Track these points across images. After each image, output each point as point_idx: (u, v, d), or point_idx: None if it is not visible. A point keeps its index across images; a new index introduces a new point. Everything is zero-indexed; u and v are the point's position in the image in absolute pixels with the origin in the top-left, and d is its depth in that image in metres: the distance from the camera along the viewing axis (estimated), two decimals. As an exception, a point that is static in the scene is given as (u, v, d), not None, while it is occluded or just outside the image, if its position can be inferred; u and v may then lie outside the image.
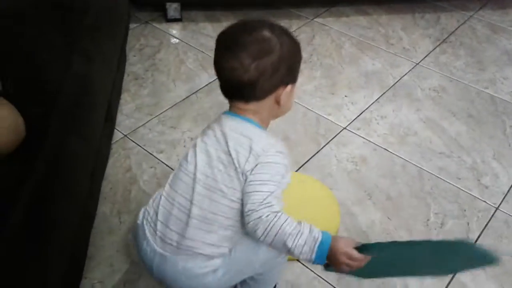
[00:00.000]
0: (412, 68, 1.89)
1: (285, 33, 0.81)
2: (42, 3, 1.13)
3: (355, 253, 0.75)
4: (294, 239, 0.73)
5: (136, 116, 1.61)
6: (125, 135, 1.54)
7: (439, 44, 2.02)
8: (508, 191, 1.43)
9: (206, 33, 2.03)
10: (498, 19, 2.19)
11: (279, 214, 0.74)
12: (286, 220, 0.73)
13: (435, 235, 1.30)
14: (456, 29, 2.12)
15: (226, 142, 0.80)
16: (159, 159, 1.47)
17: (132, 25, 2.01)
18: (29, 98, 0.91)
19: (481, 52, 1.99)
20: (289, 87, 0.83)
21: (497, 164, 1.50)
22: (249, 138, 0.80)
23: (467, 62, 1.94)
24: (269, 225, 0.72)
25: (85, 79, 1.07)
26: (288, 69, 0.81)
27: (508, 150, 1.55)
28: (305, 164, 1.49)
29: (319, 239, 0.74)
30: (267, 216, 0.73)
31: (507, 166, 1.50)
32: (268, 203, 0.74)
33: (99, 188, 1.33)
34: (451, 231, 1.31)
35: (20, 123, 0.79)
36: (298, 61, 0.84)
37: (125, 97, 1.67)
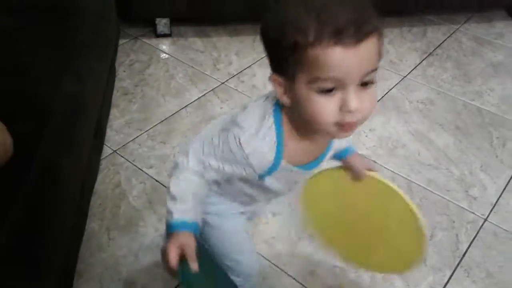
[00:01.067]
0: (400, 81, 1.92)
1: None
2: (34, 20, 1.13)
3: (171, 254, 0.69)
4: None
5: (125, 132, 1.61)
6: (115, 151, 1.54)
7: (426, 57, 2.05)
8: (496, 202, 1.44)
9: (196, 48, 2.05)
10: (484, 32, 2.23)
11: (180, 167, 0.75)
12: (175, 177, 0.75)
13: (425, 247, 1.30)
14: (443, 42, 2.15)
15: None
16: (148, 175, 1.47)
17: (121, 41, 2.02)
18: (18, 116, 0.90)
19: (467, 64, 2.02)
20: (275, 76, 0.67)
21: (484, 176, 1.52)
22: None
23: (453, 74, 1.96)
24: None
25: (75, 97, 1.07)
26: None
27: (495, 161, 1.57)
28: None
29: (169, 222, 0.74)
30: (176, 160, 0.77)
31: (495, 177, 1.51)
32: (186, 151, 0.76)
33: (88, 205, 1.32)
34: (441, 242, 1.32)
35: (8, 141, 0.79)
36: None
37: (114, 112, 1.67)
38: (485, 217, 1.39)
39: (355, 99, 0.62)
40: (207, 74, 1.90)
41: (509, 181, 1.51)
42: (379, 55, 0.65)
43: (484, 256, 1.29)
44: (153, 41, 2.07)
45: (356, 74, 0.62)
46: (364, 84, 0.64)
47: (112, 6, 1.55)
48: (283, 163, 0.73)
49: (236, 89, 1.84)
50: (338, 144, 0.84)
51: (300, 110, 0.66)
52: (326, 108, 0.63)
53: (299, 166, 0.77)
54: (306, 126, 0.69)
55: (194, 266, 0.69)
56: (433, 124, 1.71)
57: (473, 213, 1.40)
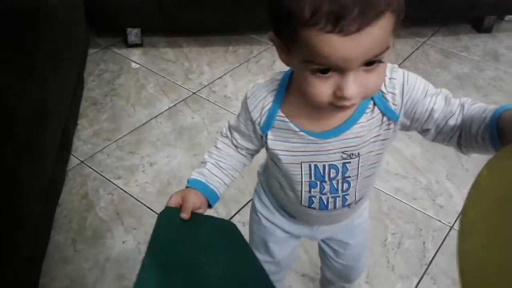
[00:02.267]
0: (369, 92, 1.95)
1: None
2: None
3: (171, 199, 0.72)
4: None
5: (93, 142, 1.59)
6: (82, 161, 1.51)
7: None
8: (462, 210, 1.47)
9: (167, 58, 2.04)
10: (450, 45, 2.30)
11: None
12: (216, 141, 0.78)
13: (393, 255, 1.32)
14: (410, 54, 2.21)
15: None
16: (116, 185, 1.45)
17: (91, 50, 2.00)
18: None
19: (434, 76, 2.07)
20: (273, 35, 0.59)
21: (450, 184, 1.55)
22: None
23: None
24: None
25: (40, 106, 1.05)
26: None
27: (461, 170, 1.61)
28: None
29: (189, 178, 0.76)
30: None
31: (460, 186, 1.55)
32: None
33: (53, 216, 1.29)
34: (408, 250, 1.34)
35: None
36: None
37: (82, 122, 1.65)
38: (451, 225, 1.42)
39: (352, 86, 0.54)
40: (178, 84, 1.90)
41: (474, 189, 1.54)
42: (394, 31, 0.55)
43: (450, 264, 1.31)
44: (124, 51, 2.05)
45: (356, 62, 0.53)
46: (370, 64, 0.55)
47: (81, 14, 1.54)
48: (281, 113, 0.68)
49: (207, 99, 1.84)
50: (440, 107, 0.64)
51: (297, 77, 0.62)
52: (319, 90, 0.56)
53: (305, 130, 0.67)
54: None
55: (183, 214, 0.69)
56: (401, 134, 1.73)
57: (439, 221, 1.43)
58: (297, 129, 0.68)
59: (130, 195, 1.42)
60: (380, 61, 0.55)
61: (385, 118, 0.67)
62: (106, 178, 1.47)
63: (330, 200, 0.74)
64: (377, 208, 1.44)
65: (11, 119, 0.91)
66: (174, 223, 0.69)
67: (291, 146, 0.70)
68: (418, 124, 0.67)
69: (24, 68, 1.04)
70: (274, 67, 2.04)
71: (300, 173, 0.72)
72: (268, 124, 0.69)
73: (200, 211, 0.72)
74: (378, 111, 0.66)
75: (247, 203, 1.43)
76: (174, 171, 1.51)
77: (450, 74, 2.09)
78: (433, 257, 1.32)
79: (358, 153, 0.69)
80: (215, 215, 1.37)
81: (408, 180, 1.56)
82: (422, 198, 1.49)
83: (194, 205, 0.71)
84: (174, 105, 1.80)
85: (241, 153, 0.78)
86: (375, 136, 0.68)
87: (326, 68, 0.54)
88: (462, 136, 0.64)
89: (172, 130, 1.68)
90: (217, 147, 0.78)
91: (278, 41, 0.58)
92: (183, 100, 1.82)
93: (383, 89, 0.65)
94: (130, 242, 1.30)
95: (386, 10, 0.51)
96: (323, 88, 0.56)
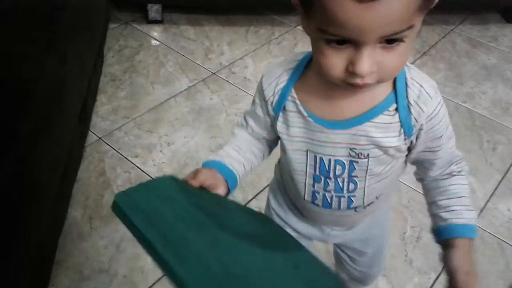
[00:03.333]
0: (393, 79, 1.90)
1: None
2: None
3: (189, 174, 0.62)
4: None
5: (111, 119, 1.57)
6: (100, 138, 1.50)
7: (420, 57, 2.04)
8: (484, 206, 1.44)
9: (187, 36, 2.00)
10: (478, 34, 2.22)
11: None
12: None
13: (411, 249, 1.29)
14: (437, 42, 2.14)
15: None
16: (134, 164, 1.44)
17: (111, 25, 1.97)
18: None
19: (461, 66, 2.01)
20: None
21: (473, 179, 1.51)
22: None
23: (446, 76, 1.95)
24: None
25: (59, 80, 1.03)
26: None
27: (485, 165, 1.57)
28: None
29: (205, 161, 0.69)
30: None
31: (483, 181, 1.51)
32: None
33: (70, 192, 1.28)
34: (427, 244, 1.31)
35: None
36: None
37: (101, 98, 1.63)
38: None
39: (366, 62, 0.50)
40: (198, 64, 1.87)
41: (497, 185, 1.50)
42: (420, 9, 0.51)
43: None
44: (144, 27, 2.02)
45: (372, 35, 0.49)
46: (390, 42, 0.51)
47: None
48: (293, 94, 0.63)
49: (227, 80, 1.81)
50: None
51: (312, 51, 0.57)
52: (332, 62, 0.53)
53: (315, 116, 0.63)
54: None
55: (190, 180, 0.61)
56: (424, 125, 1.70)
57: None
58: (305, 114, 0.63)
59: (147, 174, 1.41)
60: (402, 40, 0.51)
61: (402, 130, 0.61)
62: (123, 156, 1.46)
63: (335, 199, 0.70)
64: (397, 199, 1.42)
65: (29, 92, 0.90)
66: (176, 186, 0.57)
67: (298, 131, 0.65)
68: (420, 151, 0.65)
69: (42, 40, 1.01)
70: (296, 50, 2.00)
71: (305, 162, 0.67)
72: (280, 104, 0.65)
73: (218, 191, 0.63)
74: (398, 119, 0.61)
75: (264, 188, 1.41)
76: (191, 152, 1.49)
77: (476, 65, 2.03)
78: (453, 253, 1.30)
79: (368, 154, 0.64)
80: (231, 198, 1.36)
81: (430, 172, 1.52)
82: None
83: (208, 180, 0.62)
84: (193, 85, 1.77)
85: (258, 141, 0.73)
86: (391, 147, 0.62)
87: (341, 39, 0.50)
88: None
89: (191, 110, 1.66)
90: (233, 133, 0.73)
91: (300, 6, 0.55)
92: (202, 80, 1.79)
93: (411, 99, 0.59)
94: (146, 222, 1.29)
95: None
96: (336, 60, 0.52)
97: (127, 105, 1.64)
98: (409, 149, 0.65)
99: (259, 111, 0.69)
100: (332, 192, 0.69)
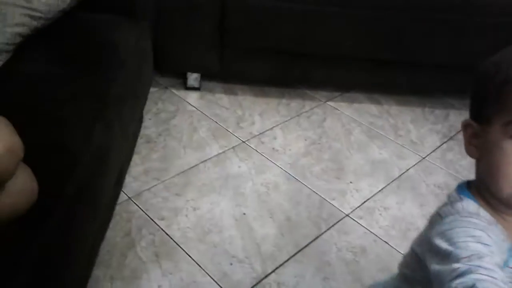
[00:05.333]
0: (419, 161, 1.92)
1: None
2: (74, 69, 1.19)
3: None
4: None
5: (142, 179, 1.64)
6: (130, 198, 1.56)
7: (447, 141, 2.07)
8: None
9: (222, 104, 2.10)
10: None
11: None
12: None
13: None
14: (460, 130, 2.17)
15: None
16: (159, 226, 1.48)
17: (152, 89, 2.09)
18: (46, 162, 0.93)
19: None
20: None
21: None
22: None
23: (472, 161, 1.95)
24: None
25: (103, 150, 1.10)
26: None
27: (509, 258, 1.54)
28: (304, 248, 1.48)
29: None
30: None
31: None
32: None
33: (97, 251, 1.32)
34: None
35: (35, 188, 0.82)
36: None
37: (135, 159, 1.71)
38: None
39: None
40: (229, 131, 1.94)
41: None
42: None
43: None
44: (182, 93, 2.14)
45: None
46: None
47: (150, 61, 1.62)
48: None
49: (255, 149, 1.87)
50: None
51: (484, 164, 0.57)
52: None
53: None
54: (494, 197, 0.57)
55: None
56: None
57: None
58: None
59: (171, 238, 1.45)
60: None
61: None
62: (150, 218, 1.50)
63: None
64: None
65: (74, 162, 0.96)
66: None
67: None
68: None
69: (92, 112, 1.10)
70: (325, 124, 2.06)
71: None
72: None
73: None
74: None
75: (284, 262, 1.42)
76: (215, 219, 1.53)
77: (504, 153, 2.04)
78: None
79: None
80: (250, 270, 1.37)
81: (452, 260, 1.50)
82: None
83: None
84: (223, 151, 1.84)
85: None
86: None
87: None
88: None
89: (219, 177, 1.71)
90: None
91: (473, 123, 0.59)
92: (232, 147, 1.86)
93: None
94: (165, 287, 1.31)
95: None
96: None
97: (159, 167, 1.71)
98: None
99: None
100: None
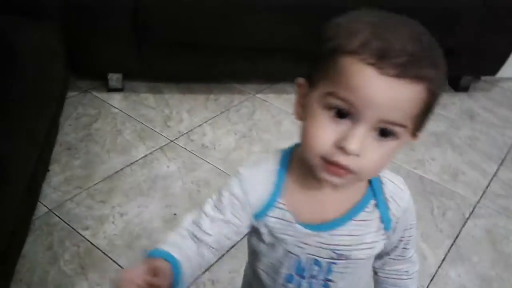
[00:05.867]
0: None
1: None
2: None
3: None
4: None
5: (63, 189, 1.55)
6: (50, 210, 1.47)
7: (373, 124, 2.12)
8: (435, 272, 1.45)
9: (147, 104, 2.03)
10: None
11: None
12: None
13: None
14: (389, 110, 2.24)
15: None
16: (84, 237, 1.40)
17: (71, 93, 1.99)
18: None
19: (411, 133, 2.10)
20: None
21: (425, 245, 1.54)
22: None
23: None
24: None
25: (2, 159, 1.02)
26: None
27: (435, 231, 1.60)
28: (239, 243, 1.46)
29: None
30: None
31: (434, 247, 1.53)
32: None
33: (13, 269, 1.23)
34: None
35: None
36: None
37: (54, 168, 1.61)
38: (424, 287, 1.40)
39: (357, 140, 0.51)
40: (156, 131, 1.89)
41: (448, 251, 1.53)
42: (420, 114, 0.54)
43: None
44: (104, 95, 2.04)
45: (374, 111, 0.50)
46: (383, 134, 0.52)
47: (60, 62, 1.53)
48: (280, 201, 0.63)
49: (184, 148, 1.82)
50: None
51: (302, 127, 0.57)
52: (324, 134, 0.53)
53: (301, 222, 0.63)
54: (308, 166, 0.57)
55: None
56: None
57: (413, 284, 1.41)
58: (293, 220, 0.63)
59: (97, 248, 1.37)
60: (395, 135, 0.53)
61: (381, 225, 0.64)
62: (73, 228, 1.42)
63: None
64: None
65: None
66: None
67: (281, 235, 0.65)
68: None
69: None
70: (254, 117, 2.05)
71: (281, 261, 0.67)
72: (264, 211, 0.64)
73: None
74: (378, 215, 0.64)
75: (218, 258, 1.39)
76: (144, 223, 1.47)
77: (426, 131, 2.12)
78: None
79: (348, 256, 0.65)
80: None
81: (383, 239, 1.54)
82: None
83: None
84: (150, 152, 1.78)
85: (209, 250, 0.65)
86: (369, 243, 0.64)
87: (341, 108, 0.52)
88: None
89: (147, 179, 1.65)
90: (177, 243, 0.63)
91: (304, 83, 0.57)
92: (159, 148, 1.81)
93: (387, 195, 0.63)
94: (93, 299, 1.24)
95: (425, 80, 0.50)
96: (329, 131, 0.53)
97: (81, 174, 1.62)
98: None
99: (229, 215, 0.64)
100: None
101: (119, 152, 1.75)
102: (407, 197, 0.66)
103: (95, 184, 1.59)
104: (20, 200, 1.14)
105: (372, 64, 0.49)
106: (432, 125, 2.17)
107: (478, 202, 1.76)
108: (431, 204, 1.71)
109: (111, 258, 1.35)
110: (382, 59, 0.49)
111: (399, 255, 0.72)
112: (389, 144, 0.54)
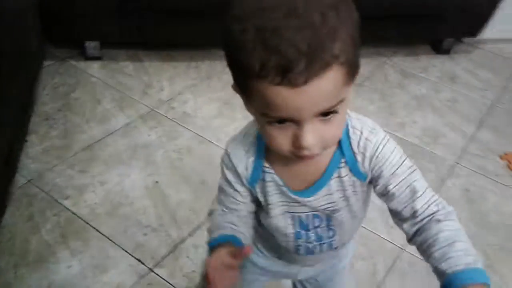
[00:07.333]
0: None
1: None
2: None
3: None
4: None
5: (43, 160, 1.53)
6: (29, 180, 1.46)
7: (355, 89, 2.12)
8: (413, 232, 1.49)
9: (127, 72, 2.00)
10: (409, 65, 2.34)
11: None
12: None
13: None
14: (370, 74, 2.24)
15: None
16: (64, 206, 1.40)
17: (48, 62, 1.95)
18: None
19: (393, 96, 2.11)
20: None
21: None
22: None
23: (379, 106, 2.04)
24: None
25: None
26: None
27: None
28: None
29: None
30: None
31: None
32: None
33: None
34: (358, 271, 1.34)
35: None
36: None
37: (32, 139, 1.59)
38: (403, 247, 1.43)
39: (309, 136, 0.55)
40: (136, 100, 1.86)
41: (426, 211, 1.56)
42: (347, 84, 0.54)
43: (400, 286, 1.32)
44: (82, 64, 2.01)
45: (308, 113, 0.53)
46: (327, 114, 0.55)
47: (34, 29, 1.49)
48: (266, 165, 0.68)
49: (165, 116, 1.81)
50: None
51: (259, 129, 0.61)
52: (278, 140, 0.57)
53: (289, 187, 0.69)
54: None
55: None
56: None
57: (391, 242, 1.44)
58: (281, 183, 0.69)
59: (78, 217, 1.38)
60: (336, 112, 0.56)
61: (355, 178, 0.67)
62: (54, 198, 1.42)
63: (317, 246, 0.76)
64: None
65: None
66: None
67: (276, 197, 0.70)
68: (380, 191, 0.67)
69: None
70: (236, 84, 2.03)
71: (286, 222, 0.73)
72: (254, 177, 0.70)
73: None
74: (349, 169, 0.67)
75: (202, 224, 1.41)
76: (125, 191, 1.47)
77: (408, 94, 2.13)
78: (383, 278, 1.33)
79: (341, 208, 0.70)
80: (165, 237, 1.35)
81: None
82: (375, 220, 1.50)
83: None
84: (131, 121, 1.76)
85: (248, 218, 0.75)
86: (352, 192, 0.69)
87: (282, 119, 0.55)
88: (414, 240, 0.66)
89: (127, 148, 1.64)
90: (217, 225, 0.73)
91: (240, 91, 0.59)
92: (139, 116, 1.79)
93: (355, 148, 0.65)
94: (76, 267, 1.25)
95: (333, 62, 0.50)
96: (281, 137, 0.57)
97: (60, 144, 1.60)
98: (374, 186, 0.68)
99: (238, 187, 0.71)
100: (314, 242, 0.75)
101: (99, 121, 1.73)
102: (374, 144, 0.64)
103: (74, 154, 1.58)
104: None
105: (281, 83, 0.50)
106: (414, 88, 2.18)
107: (456, 162, 1.79)
108: (411, 166, 1.73)
109: (92, 226, 1.36)
110: (286, 75, 0.49)
111: (420, 210, 0.64)
112: (336, 118, 0.57)
